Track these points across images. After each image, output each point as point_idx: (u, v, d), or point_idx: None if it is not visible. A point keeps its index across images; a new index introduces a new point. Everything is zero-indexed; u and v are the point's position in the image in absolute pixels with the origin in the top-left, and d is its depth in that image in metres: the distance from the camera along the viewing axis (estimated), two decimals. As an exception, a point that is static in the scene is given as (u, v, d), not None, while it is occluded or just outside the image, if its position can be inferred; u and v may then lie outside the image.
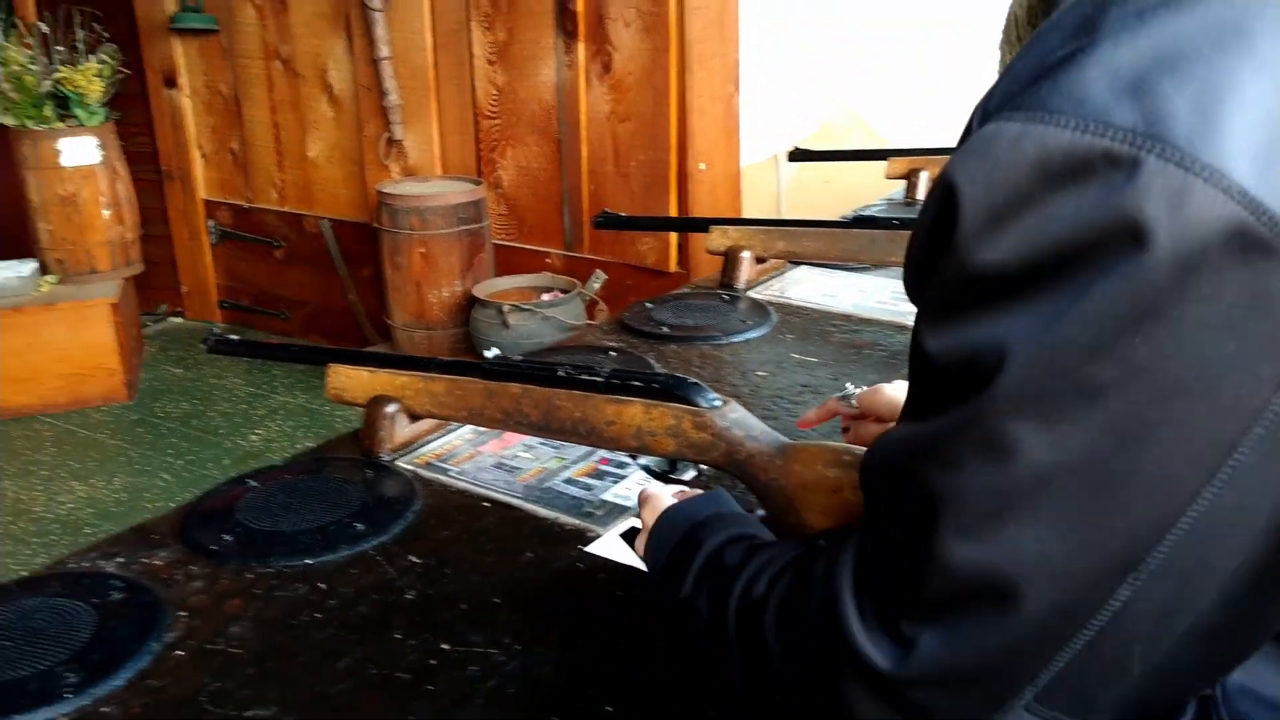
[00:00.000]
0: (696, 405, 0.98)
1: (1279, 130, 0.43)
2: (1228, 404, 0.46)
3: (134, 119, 4.59)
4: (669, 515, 0.84)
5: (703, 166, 3.35)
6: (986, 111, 0.51)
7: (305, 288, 4.58)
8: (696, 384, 1.00)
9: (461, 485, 1.20)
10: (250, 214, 4.63)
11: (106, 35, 4.01)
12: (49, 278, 4.05)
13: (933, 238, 0.51)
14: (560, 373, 1.09)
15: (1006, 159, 0.46)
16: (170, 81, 4.56)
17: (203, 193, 4.73)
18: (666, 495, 0.89)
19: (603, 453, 1.26)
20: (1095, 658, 0.51)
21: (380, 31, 3.87)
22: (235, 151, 4.58)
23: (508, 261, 3.89)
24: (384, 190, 3.68)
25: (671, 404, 0.99)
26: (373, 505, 1.15)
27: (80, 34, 3.94)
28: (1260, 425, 0.46)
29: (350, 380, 1.26)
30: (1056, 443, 0.47)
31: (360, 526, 1.11)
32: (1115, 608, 0.49)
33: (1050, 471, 0.48)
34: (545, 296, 3.63)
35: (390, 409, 1.26)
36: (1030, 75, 0.49)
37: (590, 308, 3.62)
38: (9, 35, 3.89)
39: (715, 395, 0.99)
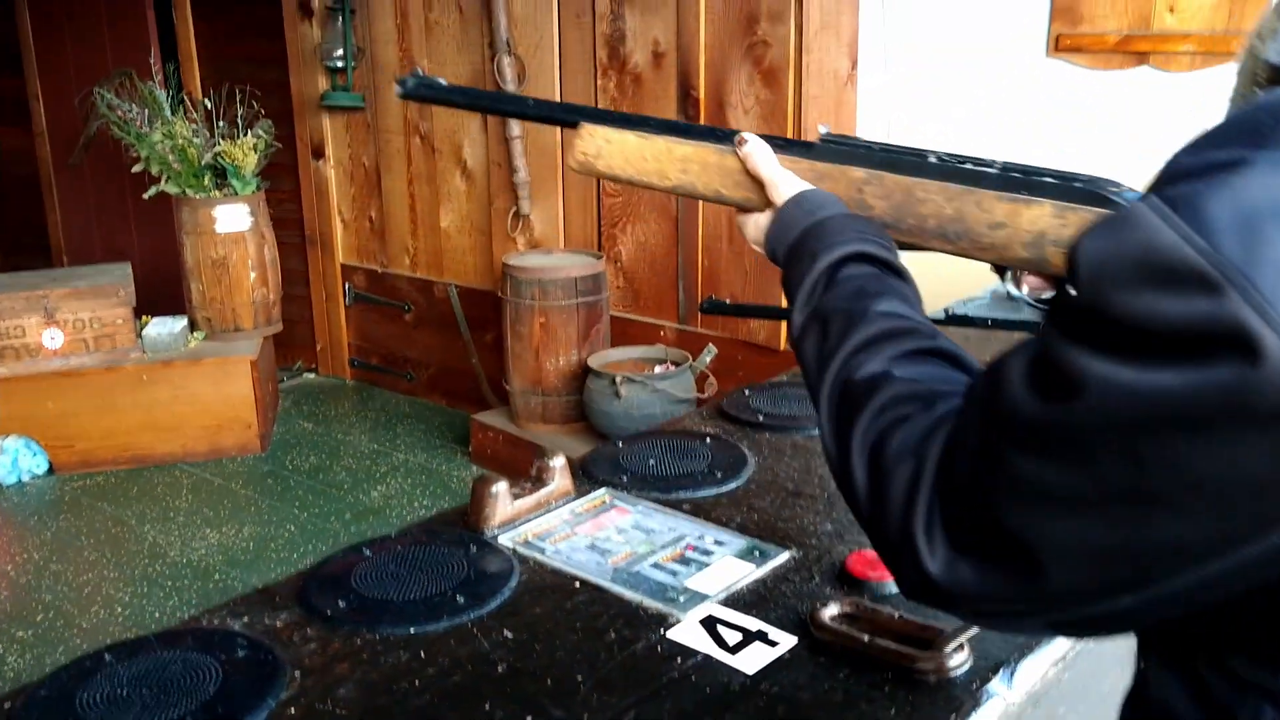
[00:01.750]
0: None
1: None
2: (1243, 516, 0.53)
3: (283, 187, 4.92)
4: (792, 205, 0.90)
5: (816, 249, 3.41)
6: (1160, 178, 0.58)
7: (431, 350, 4.78)
8: (1122, 186, 0.83)
9: (555, 565, 1.28)
10: (384, 279, 4.87)
11: (262, 111, 4.32)
12: (197, 334, 4.34)
13: (1062, 282, 0.60)
14: (932, 159, 0.91)
15: (1128, 239, 0.54)
16: (318, 153, 4.87)
17: (341, 257, 5.00)
18: (789, 178, 0.92)
19: (689, 539, 1.33)
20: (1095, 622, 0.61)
21: (512, 112, 4.07)
22: (373, 219, 4.84)
23: (624, 333, 4.00)
24: (509, 262, 3.85)
25: (1096, 208, 0.82)
26: (474, 579, 1.24)
27: (240, 110, 4.26)
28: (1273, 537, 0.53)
29: (610, 146, 1.07)
30: (1092, 478, 0.56)
31: (461, 599, 1.20)
32: (1121, 607, 0.59)
33: (1081, 496, 0.57)
34: (658, 369, 3.72)
35: (497, 488, 1.36)
36: (1193, 167, 0.55)
37: (700, 381, 3.69)
38: (176, 110, 4.23)
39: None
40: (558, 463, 1.44)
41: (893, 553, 0.68)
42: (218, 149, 4.12)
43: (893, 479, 0.67)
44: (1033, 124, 2.99)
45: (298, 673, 1.08)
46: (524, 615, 1.19)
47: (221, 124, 4.22)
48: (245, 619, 1.19)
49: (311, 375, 5.23)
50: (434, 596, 1.21)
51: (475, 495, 1.36)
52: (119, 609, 3.19)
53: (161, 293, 4.71)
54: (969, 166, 0.87)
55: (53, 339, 4.01)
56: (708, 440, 1.63)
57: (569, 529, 1.37)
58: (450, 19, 4.27)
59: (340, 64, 4.57)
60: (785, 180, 0.96)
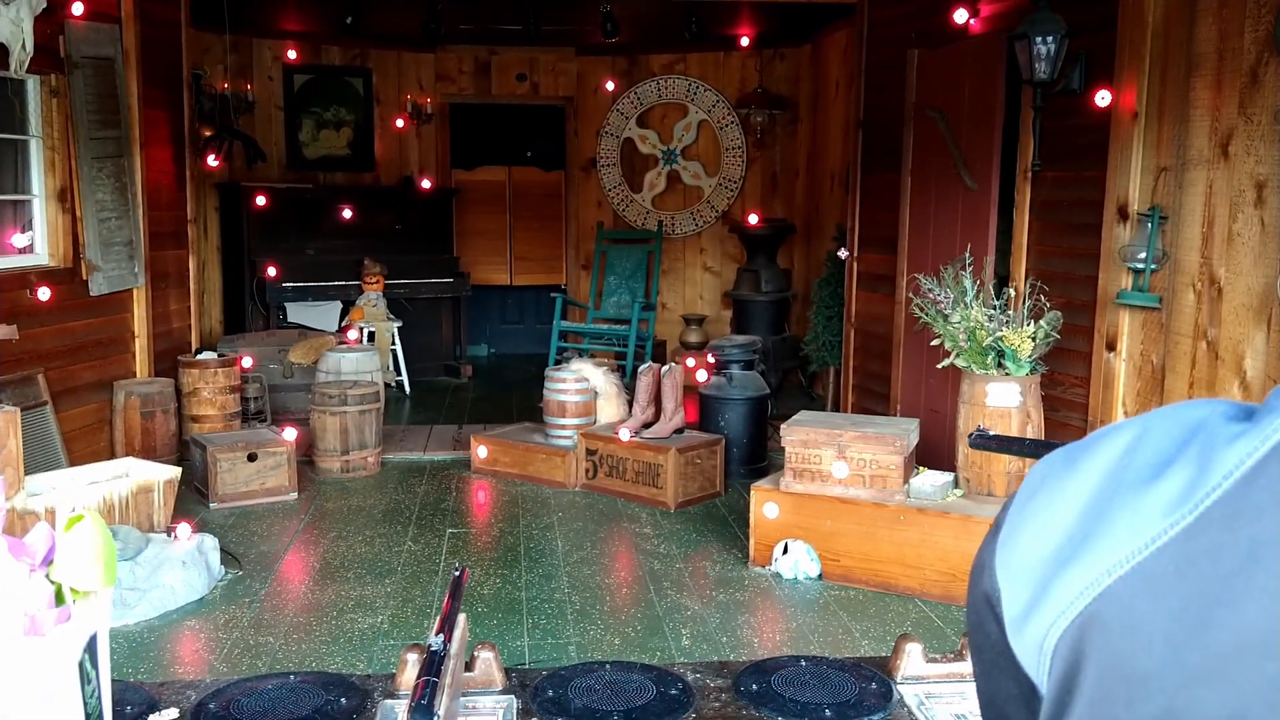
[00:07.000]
0: None
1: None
2: None
3: (1075, 373, 5.24)
4: None
5: None
6: None
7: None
8: None
9: (919, 715, 1.56)
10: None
11: (1050, 305, 4.75)
12: (956, 491, 4.89)
13: None
14: None
15: None
16: (1110, 346, 5.10)
17: (1116, 447, 5.12)
18: None
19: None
20: None
21: (1294, 329, 3.89)
22: (1152, 416, 4.89)
23: None
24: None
25: None
26: (852, 704, 1.59)
27: (1029, 301, 4.75)
28: None
29: None
30: None
31: (829, 713, 1.57)
32: None
33: None
34: None
35: (910, 647, 1.68)
36: None
37: None
38: (977, 296, 4.88)
39: None
40: (980, 645, 1.69)
41: None
42: (999, 335, 4.65)
43: None
44: None
45: (693, 714, 1.58)
46: (864, 740, 1.51)
47: (1010, 312, 4.74)
48: (700, 675, 1.71)
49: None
50: (829, 704, 1.59)
51: (895, 647, 1.70)
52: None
53: (938, 451, 5.37)
54: None
55: (840, 470, 4.92)
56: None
57: (952, 698, 1.62)
58: (1252, 231, 4.22)
59: (1141, 265, 4.78)
60: None
